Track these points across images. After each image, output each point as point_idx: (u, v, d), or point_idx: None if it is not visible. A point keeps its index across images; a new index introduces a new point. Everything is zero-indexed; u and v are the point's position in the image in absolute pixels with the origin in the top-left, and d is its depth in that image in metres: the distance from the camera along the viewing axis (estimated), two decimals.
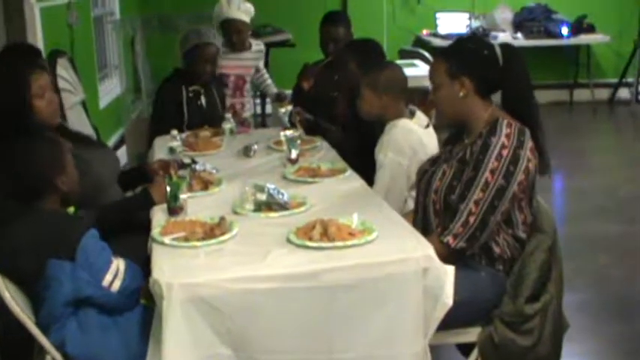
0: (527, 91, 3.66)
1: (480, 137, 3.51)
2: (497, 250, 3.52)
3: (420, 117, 4.46)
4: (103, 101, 8.71)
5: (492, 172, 3.40)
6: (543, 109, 3.82)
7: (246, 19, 6.56)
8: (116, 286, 3.24)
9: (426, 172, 3.76)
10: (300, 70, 6.23)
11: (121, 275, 3.26)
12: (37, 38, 6.13)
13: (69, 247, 3.17)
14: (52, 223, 3.31)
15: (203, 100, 5.97)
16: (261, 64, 7.05)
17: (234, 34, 6.53)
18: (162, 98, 5.99)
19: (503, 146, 3.42)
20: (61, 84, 5.80)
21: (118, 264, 3.29)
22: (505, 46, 3.67)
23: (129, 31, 9.08)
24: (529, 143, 3.47)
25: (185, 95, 5.89)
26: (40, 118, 3.97)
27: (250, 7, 6.61)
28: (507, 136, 3.44)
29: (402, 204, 4.15)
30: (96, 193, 4.03)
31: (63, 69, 6.06)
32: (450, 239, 3.44)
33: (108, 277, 3.23)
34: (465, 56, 3.63)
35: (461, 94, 3.59)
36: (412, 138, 4.26)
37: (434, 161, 3.80)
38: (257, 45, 6.84)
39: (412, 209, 4.01)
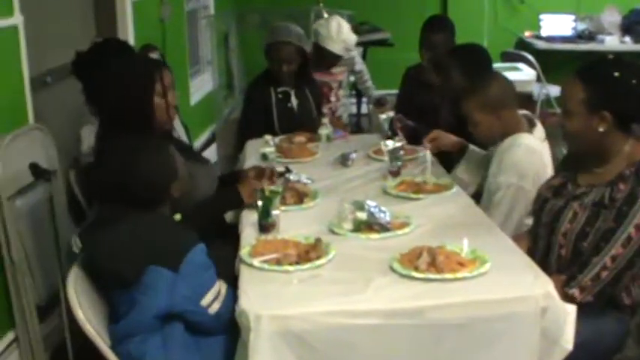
0: None
1: (623, 180, 3.14)
2: (627, 301, 3.21)
3: (540, 129, 4.12)
4: (194, 98, 8.59)
5: (638, 227, 3.06)
6: None
7: (343, 53, 6.34)
8: (215, 308, 3.06)
9: (548, 201, 3.42)
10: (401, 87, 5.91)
11: (221, 298, 3.09)
12: (128, 33, 6.02)
13: (176, 257, 3.01)
14: (163, 229, 3.17)
15: (294, 102, 5.71)
16: (358, 66, 6.83)
17: (325, 63, 6.35)
18: (251, 99, 5.77)
19: None
20: None
21: (221, 286, 3.12)
22: None
23: (223, 26, 8.93)
24: None
25: (274, 97, 5.65)
26: (157, 119, 3.80)
27: (352, 40, 6.37)
28: None
29: (518, 232, 3.80)
30: None
31: None
32: (576, 292, 3.12)
33: (208, 297, 3.05)
34: (609, 88, 3.17)
35: (600, 129, 3.18)
36: (536, 160, 3.91)
37: (557, 191, 3.43)
38: (346, 53, 6.54)
39: (523, 233, 3.68)
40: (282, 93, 5.67)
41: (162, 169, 3.27)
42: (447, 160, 4.56)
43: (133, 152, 3.24)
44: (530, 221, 3.74)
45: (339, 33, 6.20)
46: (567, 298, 3.07)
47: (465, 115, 4.09)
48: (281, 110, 5.65)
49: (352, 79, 7.30)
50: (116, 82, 3.77)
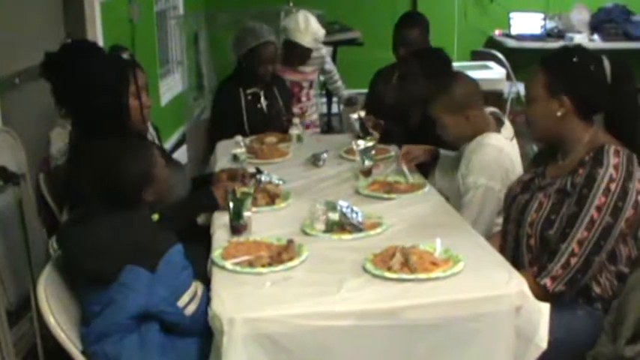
0: (635, 114, 3.27)
1: (583, 166, 3.15)
2: (597, 290, 3.21)
3: (508, 128, 4.12)
4: (165, 98, 8.52)
5: (599, 209, 3.06)
6: None
7: (313, 46, 6.30)
8: (191, 309, 3.03)
9: (516, 197, 3.43)
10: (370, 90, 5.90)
11: (197, 300, 3.06)
12: (97, 33, 5.96)
13: (153, 257, 3.00)
14: (141, 229, 3.16)
15: (263, 102, 5.71)
16: (328, 65, 6.81)
17: (296, 58, 6.32)
18: (220, 101, 5.77)
19: (611, 179, 3.06)
20: None
21: (197, 287, 3.09)
22: (616, 62, 3.23)
23: (193, 26, 8.88)
24: (638, 173, 3.12)
25: (244, 98, 5.65)
26: (132, 120, 3.80)
27: (321, 32, 6.35)
28: (615, 167, 3.08)
29: (489, 232, 3.80)
30: None
31: None
32: (547, 282, 3.11)
33: (185, 298, 3.02)
34: (568, 71, 3.21)
35: (558, 113, 3.21)
36: (504, 159, 3.92)
37: (525, 185, 3.45)
38: (316, 51, 6.52)
39: (496, 233, 3.69)
40: (251, 94, 5.66)
41: (144, 170, 3.24)
42: (424, 169, 4.54)
43: (116, 153, 3.22)
44: (501, 220, 3.75)
45: (307, 25, 6.17)
46: (540, 288, 3.07)
47: (433, 119, 4.08)
48: (251, 111, 5.64)
49: (322, 78, 7.28)
50: (90, 83, 3.72)
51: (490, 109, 4.19)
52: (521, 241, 3.32)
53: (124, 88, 3.75)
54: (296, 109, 6.26)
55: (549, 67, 3.25)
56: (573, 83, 3.19)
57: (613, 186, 3.05)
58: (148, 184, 3.25)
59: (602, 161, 3.09)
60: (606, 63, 3.20)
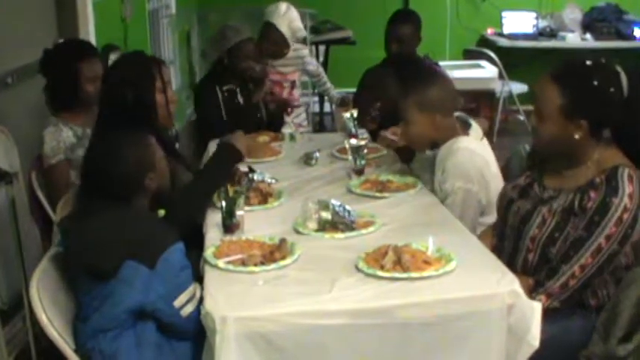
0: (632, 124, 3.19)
1: (594, 189, 3.10)
2: (593, 301, 3.21)
3: (477, 130, 4.09)
4: None
5: (608, 238, 3.04)
6: None
7: (289, 35, 6.34)
8: (187, 310, 3.01)
9: (513, 202, 3.41)
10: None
11: (195, 301, 3.02)
12: (90, 32, 5.93)
13: (153, 253, 2.99)
14: (142, 224, 3.16)
15: (240, 98, 5.78)
16: (312, 67, 6.79)
17: (270, 44, 6.36)
18: (202, 101, 5.86)
19: (624, 209, 3.03)
20: None
21: (197, 288, 3.07)
22: (633, 74, 3.15)
23: (185, 25, 8.87)
24: None
25: (220, 95, 5.72)
26: (160, 115, 3.91)
27: (299, 24, 6.41)
28: (630, 196, 3.04)
29: (474, 233, 3.78)
30: None
31: None
32: (543, 298, 3.10)
33: (182, 298, 3.01)
34: (589, 96, 3.12)
35: (576, 136, 3.14)
36: (477, 160, 3.87)
37: (523, 191, 3.42)
38: (295, 51, 6.57)
39: (482, 232, 3.69)
40: (227, 91, 5.73)
41: (141, 160, 3.25)
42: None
43: (116, 142, 3.24)
44: (485, 220, 3.77)
45: (286, 13, 6.27)
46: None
47: (402, 113, 4.05)
48: (229, 107, 5.70)
49: (306, 78, 7.28)
50: (118, 79, 3.83)
51: (455, 113, 4.13)
52: (521, 252, 3.31)
53: (151, 84, 3.81)
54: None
55: (567, 88, 3.13)
56: (594, 109, 3.12)
57: (626, 216, 3.02)
58: (150, 169, 3.27)
59: (616, 189, 3.04)
60: (623, 77, 3.12)
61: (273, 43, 6.34)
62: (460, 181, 3.82)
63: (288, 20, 6.25)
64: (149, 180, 3.27)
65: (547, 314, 2.93)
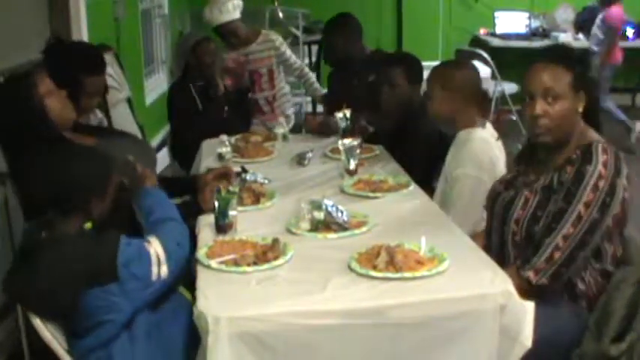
0: (599, 101, 3.35)
1: (570, 163, 3.17)
2: (582, 287, 3.21)
3: (490, 129, 4.12)
4: (149, 98, 8.53)
5: (586, 205, 3.07)
6: (604, 115, 3.47)
7: (234, 16, 6.42)
8: (165, 271, 2.96)
9: (500, 195, 3.43)
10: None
11: (162, 258, 2.97)
12: (82, 32, 5.93)
13: (109, 271, 2.88)
14: (83, 252, 2.94)
15: (211, 91, 6.14)
16: (287, 55, 6.72)
17: (230, 37, 6.50)
18: (175, 102, 6.28)
19: (599, 176, 3.08)
20: (107, 80, 5.59)
21: (154, 248, 2.98)
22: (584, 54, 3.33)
23: (177, 25, 8.86)
24: (625, 170, 3.13)
25: (194, 91, 6.09)
26: (55, 118, 3.64)
27: (237, 2, 6.46)
28: (604, 164, 3.09)
29: (478, 224, 3.79)
30: None
31: (108, 65, 5.80)
32: (530, 274, 3.12)
33: (154, 270, 2.95)
34: (582, 69, 3.28)
35: (580, 109, 3.25)
36: (491, 153, 3.94)
37: (508, 183, 3.45)
38: (265, 35, 6.63)
39: (480, 232, 3.69)
40: (199, 86, 6.08)
41: (85, 174, 3.09)
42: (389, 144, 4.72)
43: (61, 160, 3.10)
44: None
45: (209, 7, 6.44)
46: (522, 281, 3.08)
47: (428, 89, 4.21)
48: (204, 102, 6.06)
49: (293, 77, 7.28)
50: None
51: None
52: (507, 237, 3.32)
53: (33, 89, 3.60)
54: (262, 98, 6.56)
55: (567, 64, 3.24)
56: (587, 79, 3.28)
57: (601, 183, 3.06)
58: (96, 193, 3.12)
59: (590, 158, 3.10)
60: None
61: (231, 35, 6.48)
62: (473, 169, 3.86)
63: (217, 10, 6.36)
64: (94, 205, 3.11)
65: (538, 306, 2.94)
